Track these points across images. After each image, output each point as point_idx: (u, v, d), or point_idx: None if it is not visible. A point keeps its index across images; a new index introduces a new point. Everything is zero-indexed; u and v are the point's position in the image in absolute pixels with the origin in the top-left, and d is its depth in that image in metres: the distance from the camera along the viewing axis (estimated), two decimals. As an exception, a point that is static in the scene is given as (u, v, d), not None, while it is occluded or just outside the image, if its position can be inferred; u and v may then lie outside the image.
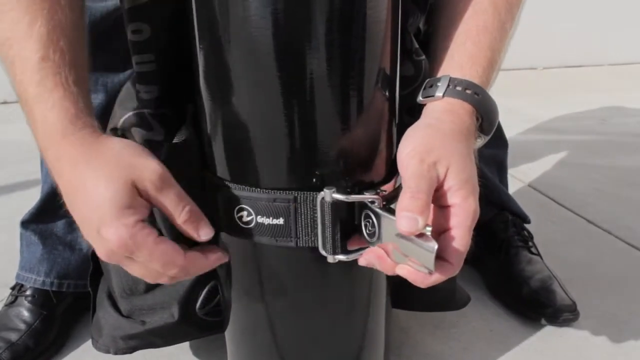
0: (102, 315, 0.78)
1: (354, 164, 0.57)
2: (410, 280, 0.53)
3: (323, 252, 0.56)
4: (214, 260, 0.58)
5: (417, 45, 0.68)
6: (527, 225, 1.17)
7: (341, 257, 0.56)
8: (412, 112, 0.65)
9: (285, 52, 0.52)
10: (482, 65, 0.60)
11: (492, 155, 1.16)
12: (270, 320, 0.65)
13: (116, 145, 0.54)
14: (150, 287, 0.74)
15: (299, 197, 0.55)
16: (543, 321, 1.00)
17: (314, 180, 0.55)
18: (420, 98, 0.61)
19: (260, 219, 0.56)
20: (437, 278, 0.51)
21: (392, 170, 0.60)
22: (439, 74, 0.61)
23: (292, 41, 0.52)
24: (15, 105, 2.51)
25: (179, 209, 0.53)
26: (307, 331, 0.66)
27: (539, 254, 1.12)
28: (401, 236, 0.50)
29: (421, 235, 0.49)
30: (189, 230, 0.55)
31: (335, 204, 0.54)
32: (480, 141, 0.62)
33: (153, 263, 0.52)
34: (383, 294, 0.68)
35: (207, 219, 0.56)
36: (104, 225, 0.50)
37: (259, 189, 0.55)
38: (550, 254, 1.15)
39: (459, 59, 0.61)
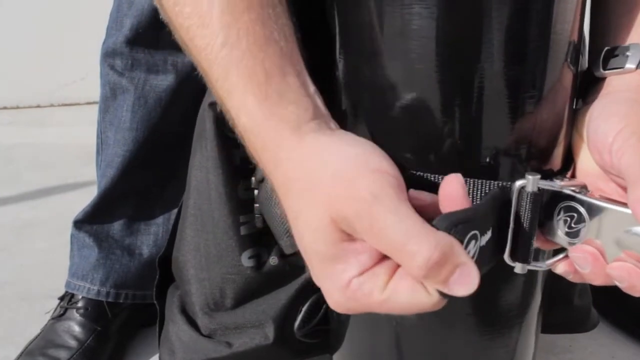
0: (175, 333, 0.66)
1: (535, 149, 0.45)
2: (625, 284, 0.40)
3: (509, 261, 0.43)
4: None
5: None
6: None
7: (536, 266, 0.44)
8: None
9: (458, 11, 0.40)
10: None
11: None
12: (401, 342, 0.53)
13: (328, 170, 0.37)
14: (240, 302, 0.62)
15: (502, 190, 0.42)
16: (675, 349, 0.86)
17: (489, 168, 0.44)
18: (601, 70, 0.49)
19: None
20: None
21: (569, 158, 0.48)
22: (624, 42, 0.49)
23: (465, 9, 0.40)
24: (49, 109, 2.46)
25: (404, 258, 0.34)
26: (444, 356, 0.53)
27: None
28: (634, 233, 0.39)
29: None
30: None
31: (536, 195, 0.41)
32: None
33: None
34: (537, 317, 0.55)
35: (473, 268, 0.34)
36: (317, 281, 0.39)
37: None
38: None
39: None
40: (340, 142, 0.39)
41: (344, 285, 0.36)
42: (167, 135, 0.84)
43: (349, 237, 0.36)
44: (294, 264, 0.59)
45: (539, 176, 0.42)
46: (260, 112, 0.39)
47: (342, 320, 0.56)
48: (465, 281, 0.34)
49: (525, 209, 0.42)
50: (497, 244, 0.42)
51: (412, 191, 0.39)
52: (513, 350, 0.54)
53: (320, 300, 0.61)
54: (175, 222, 0.66)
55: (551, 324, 0.74)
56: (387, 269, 0.36)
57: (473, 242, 0.36)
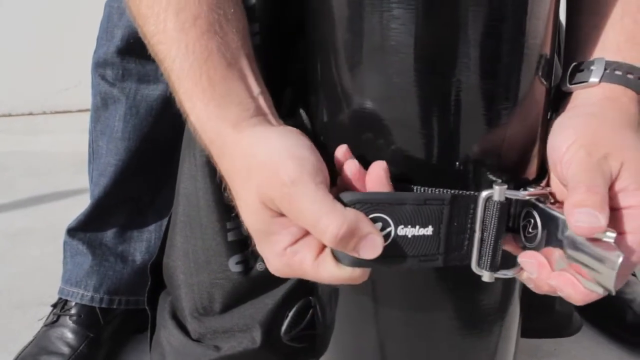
0: (165, 338, 0.67)
1: (508, 160, 0.47)
2: (564, 294, 0.42)
3: (476, 269, 0.45)
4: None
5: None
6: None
7: (502, 274, 0.45)
8: None
9: (435, 29, 0.42)
10: None
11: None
12: (385, 346, 0.54)
13: (258, 158, 0.43)
14: (228, 307, 0.63)
15: (458, 198, 0.43)
16: (656, 351, 0.88)
17: (464, 178, 0.45)
18: (567, 85, 0.51)
19: None
20: (599, 293, 0.41)
21: (542, 168, 0.50)
22: (592, 57, 0.51)
23: (439, 16, 0.42)
24: (42, 116, 2.47)
25: (317, 234, 0.40)
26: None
27: (634, 274, 1.00)
28: (571, 242, 0.40)
29: (597, 241, 0.39)
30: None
31: (503, 204, 0.43)
32: None
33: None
34: (516, 320, 0.57)
35: (378, 237, 0.41)
36: (259, 250, 0.45)
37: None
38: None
39: (614, 39, 0.51)
40: (272, 134, 0.44)
41: (280, 252, 0.43)
42: (158, 144, 0.85)
43: (279, 214, 0.42)
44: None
45: (505, 186, 0.43)
46: (205, 114, 0.45)
47: (328, 325, 0.57)
48: (371, 248, 0.40)
49: (492, 218, 0.43)
50: (452, 248, 0.43)
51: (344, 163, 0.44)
52: (493, 353, 0.56)
53: (307, 306, 0.63)
54: (166, 229, 0.67)
55: (535, 329, 0.76)
56: (317, 240, 0.42)
57: (380, 223, 0.41)
